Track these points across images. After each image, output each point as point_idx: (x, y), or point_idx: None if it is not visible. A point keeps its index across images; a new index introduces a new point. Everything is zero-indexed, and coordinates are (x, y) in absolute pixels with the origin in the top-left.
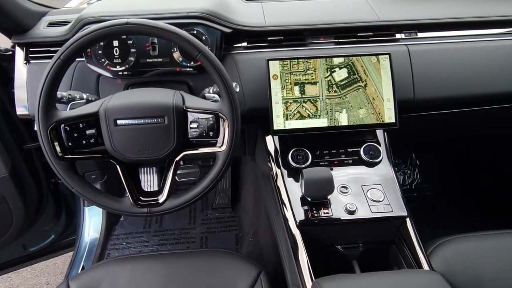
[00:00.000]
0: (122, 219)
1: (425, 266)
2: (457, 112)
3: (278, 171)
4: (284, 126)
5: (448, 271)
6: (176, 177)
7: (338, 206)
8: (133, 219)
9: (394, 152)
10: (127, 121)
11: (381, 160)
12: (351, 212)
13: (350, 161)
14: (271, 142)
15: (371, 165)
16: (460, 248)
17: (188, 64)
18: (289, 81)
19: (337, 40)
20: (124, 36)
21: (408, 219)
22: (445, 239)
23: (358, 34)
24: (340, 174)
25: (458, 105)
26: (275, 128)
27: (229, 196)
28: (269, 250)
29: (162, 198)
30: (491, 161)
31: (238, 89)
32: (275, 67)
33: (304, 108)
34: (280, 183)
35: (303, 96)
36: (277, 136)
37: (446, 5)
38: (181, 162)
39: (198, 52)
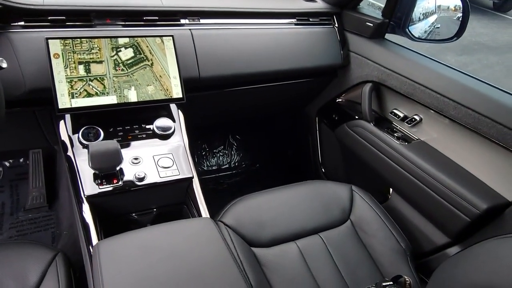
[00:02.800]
0: None
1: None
2: (243, 90)
3: (70, 150)
4: (71, 105)
5: (238, 223)
6: None
7: (129, 176)
8: None
9: (199, 130)
10: None
11: (173, 132)
12: (140, 179)
13: (144, 135)
14: (62, 123)
15: (164, 137)
16: (248, 204)
17: None
18: (73, 60)
19: (123, 23)
20: None
21: (194, 180)
22: (238, 199)
23: (144, 18)
24: (133, 147)
25: (241, 83)
26: (60, 107)
27: (44, 195)
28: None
29: None
30: (291, 135)
31: (4, 65)
32: (55, 46)
33: (91, 87)
34: (71, 161)
35: (89, 74)
36: (68, 116)
37: None
38: None
39: None
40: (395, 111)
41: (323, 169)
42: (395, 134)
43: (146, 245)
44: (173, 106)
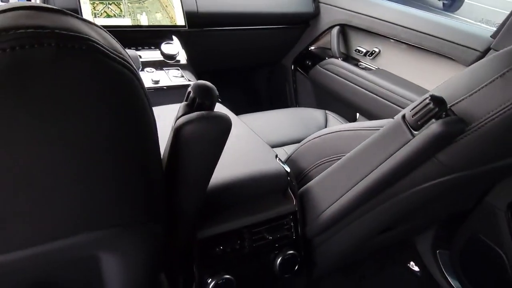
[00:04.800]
0: None
1: None
2: (231, 31)
3: None
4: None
5: None
6: None
7: (147, 82)
8: None
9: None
10: None
11: (177, 54)
12: (156, 82)
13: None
14: None
15: (169, 59)
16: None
17: None
18: None
19: None
20: None
21: None
22: None
23: None
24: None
25: (237, 23)
26: None
27: None
28: None
29: None
30: (269, 86)
31: None
32: None
33: (110, 9)
34: None
35: None
36: None
37: None
38: None
39: None
40: (359, 48)
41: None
42: (360, 67)
43: None
44: (175, 39)
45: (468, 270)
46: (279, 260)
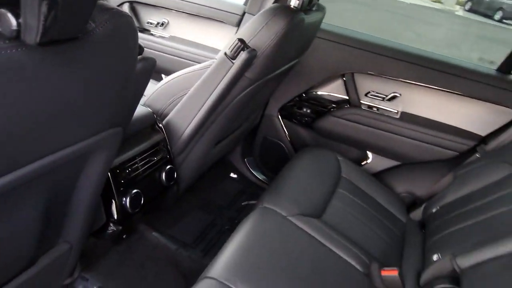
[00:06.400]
0: None
1: None
2: None
3: None
4: None
5: None
6: None
7: None
8: None
9: None
10: None
11: None
12: None
13: None
14: None
15: None
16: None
17: None
18: None
19: None
20: None
21: None
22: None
23: None
24: None
25: None
26: None
27: None
28: None
29: None
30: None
31: None
32: None
33: None
34: None
35: None
36: None
37: None
38: None
39: None
40: (149, 20)
41: None
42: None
43: None
44: None
45: (266, 163)
46: (163, 174)
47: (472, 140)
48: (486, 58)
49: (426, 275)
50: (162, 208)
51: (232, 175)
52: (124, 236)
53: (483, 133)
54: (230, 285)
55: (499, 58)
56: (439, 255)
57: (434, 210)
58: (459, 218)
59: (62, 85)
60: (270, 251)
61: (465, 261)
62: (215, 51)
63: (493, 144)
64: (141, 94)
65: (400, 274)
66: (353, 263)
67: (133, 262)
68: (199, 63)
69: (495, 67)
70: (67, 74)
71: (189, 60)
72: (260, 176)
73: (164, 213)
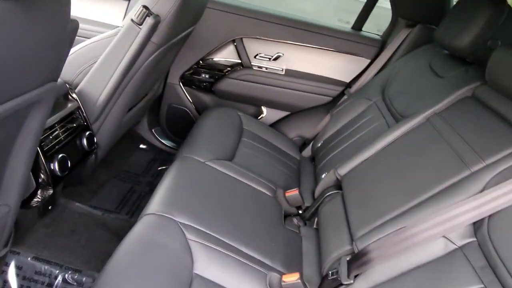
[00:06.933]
0: None
1: None
2: None
3: None
4: None
5: None
6: None
7: None
8: None
9: None
10: None
11: None
12: None
13: None
14: None
15: None
16: None
17: None
18: None
19: None
20: None
21: None
22: None
23: None
24: None
25: None
26: None
27: None
28: None
29: None
30: None
31: None
32: None
33: None
34: None
35: None
36: None
37: None
38: None
39: None
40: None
41: None
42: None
43: None
44: None
45: (173, 131)
46: (84, 139)
47: (341, 86)
48: (344, 19)
49: (318, 189)
50: (81, 179)
51: (142, 146)
52: (50, 208)
53: (347, 79)
54: (168, 216)
55: (353, 20)
56: (326, 173)
57: (319, 145)
58: (337, 145)
59: (20, 34)
60: (197, 189)
61: (343, 170)
62: None
63: (355, 87)
64: (68, 52)
65: (300, 193)
66: (263, 190)
67: (63, 231)
68: None
69: (350, 26)
70: (25, 24)
71: None
72: (169, 144)
73: (82, 188)
